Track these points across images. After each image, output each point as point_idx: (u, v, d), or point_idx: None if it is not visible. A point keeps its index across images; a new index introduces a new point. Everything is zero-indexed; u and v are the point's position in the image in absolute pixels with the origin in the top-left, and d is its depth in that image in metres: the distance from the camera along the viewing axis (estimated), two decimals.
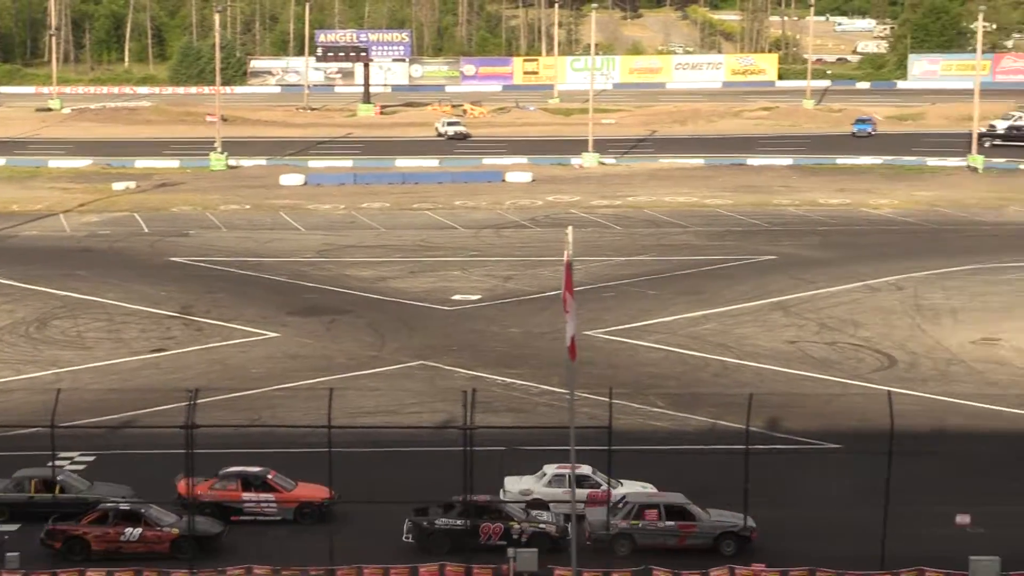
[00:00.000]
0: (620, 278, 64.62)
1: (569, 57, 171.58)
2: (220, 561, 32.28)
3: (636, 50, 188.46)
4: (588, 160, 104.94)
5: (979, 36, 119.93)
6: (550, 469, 36.43)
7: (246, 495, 35.16)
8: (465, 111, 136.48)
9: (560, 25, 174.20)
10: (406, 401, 45.52)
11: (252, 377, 48.19)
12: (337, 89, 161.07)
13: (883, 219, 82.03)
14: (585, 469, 35.88)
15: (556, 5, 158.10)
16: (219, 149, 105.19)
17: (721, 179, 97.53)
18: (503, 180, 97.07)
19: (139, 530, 33.09)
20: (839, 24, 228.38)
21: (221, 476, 35.54)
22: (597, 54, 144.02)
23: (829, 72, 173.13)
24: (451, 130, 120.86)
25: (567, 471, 35.62)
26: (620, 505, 34.20)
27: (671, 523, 33.81)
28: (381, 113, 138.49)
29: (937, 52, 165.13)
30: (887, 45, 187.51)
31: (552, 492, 35.75)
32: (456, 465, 33.07)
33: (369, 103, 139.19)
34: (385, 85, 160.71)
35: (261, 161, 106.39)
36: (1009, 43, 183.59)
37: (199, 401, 33.86)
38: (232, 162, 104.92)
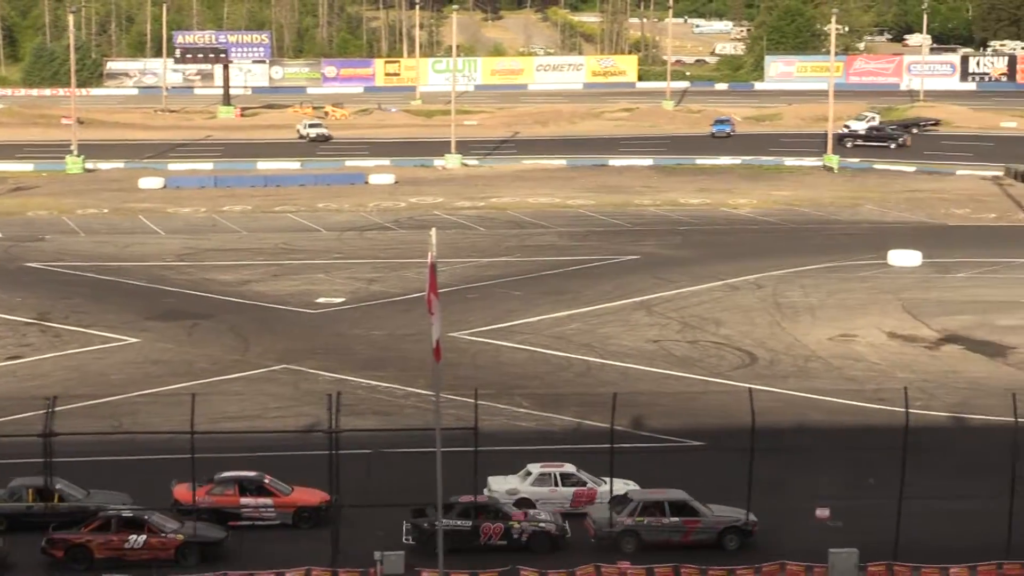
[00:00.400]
0: (484, 279, 64.76)
1: (431, 59, 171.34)
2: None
3: (497, 52, 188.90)
4: (451, 161, 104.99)
5: (832, 38, 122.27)
6: (535, 468, 36.68)
7: (244, 500, 34.86)
8: (327, 113, 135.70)
9: (421, 27, 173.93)
10: (270, 405, 45.15)
11: (112, 383, 47.42)
12: (196, 91, 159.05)
13: (742, 218, 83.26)
14: (569, 467, 36.41)
15: (417, 7, 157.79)
16: (75, 152, 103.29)
17: (583, 180, 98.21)
18: (366, 182, 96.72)
19: (143, 537, 32.73)
20: (697, 26, 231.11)
21: (217, 481, 35.16)
22: (458, 56, 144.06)
23: (688, 73, 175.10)
24: (313, 132, 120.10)
25: (552, 470, 36.35)
26: (623, 502, 34.53)
27: (676, 519, 34.14)
28: (242, 115, 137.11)
29: (792, 54, 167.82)
30: (744, 47, 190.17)
31: (538, 491, 36.08)
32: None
33: (229, 105, 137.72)
34: (245, 87, 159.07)
35: (119, 164, 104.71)
36: (861, 45, 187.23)
37: (58, 409, 33.29)
38: (89, 165, 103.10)
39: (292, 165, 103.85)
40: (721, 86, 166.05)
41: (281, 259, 69.68)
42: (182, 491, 34.90)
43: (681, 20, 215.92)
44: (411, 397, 46.03)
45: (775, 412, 43.10)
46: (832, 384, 48.49)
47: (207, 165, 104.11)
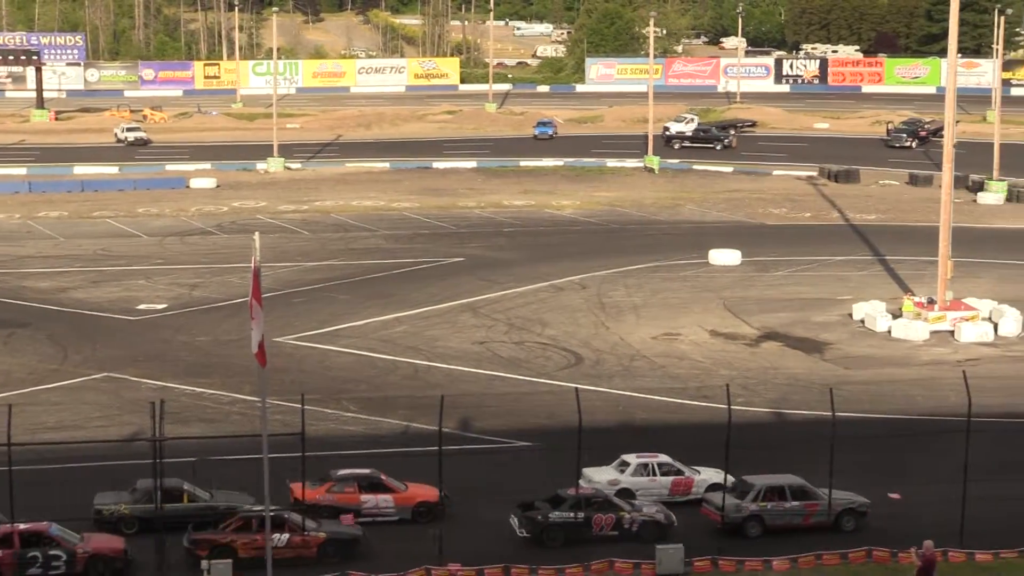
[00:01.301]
0: (309, 283, 64.30)
1: (251, 61, 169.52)
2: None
3: (319, 54, 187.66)
4: (273, 165, 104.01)
5: (651, 41, 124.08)
6: (631, 459, 37.28)
7: (364, 497, 35.34)
8: (145, 116, 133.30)
9: (241, 29, 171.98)
10: (92, 415, 44.18)
11: None
12: (8, 94, 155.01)
13: (566, 220, 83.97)
14: (664, 457, 37.15)
15: (236, 9, 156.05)
16: None
17: (407, 182, 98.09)
18: (187, 186, 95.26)
19: (286, 536, 32.85)
20: (518, 29, 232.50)
21: (337, 479, 35.62)
22: (279, 58, 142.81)
23: (510, 76, 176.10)
24: (131, 136, 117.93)
25: (649, 460, 37.26)
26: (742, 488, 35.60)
27: (796, 503, 35.04)
28: (56, 119, 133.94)
29: (612, 56, 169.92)
30: (565, 49, 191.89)
31: (638, 481, 36.77)
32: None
33: (43, 108, 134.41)
34: (60, 90, 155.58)
35: None
36: (679, 48, 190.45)
37: None
38: None
39: (110, 170, 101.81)
40: (543, 88, 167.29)
41: (100, 265, 68.29)
42: (302, 489, 35.02)
43: (502, 23, 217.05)
44: (237, 403, 45.48)
45: (601, 411, 43.55)
46: (656, 383, 49.17)
47: (20, 170, 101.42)
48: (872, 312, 57.54)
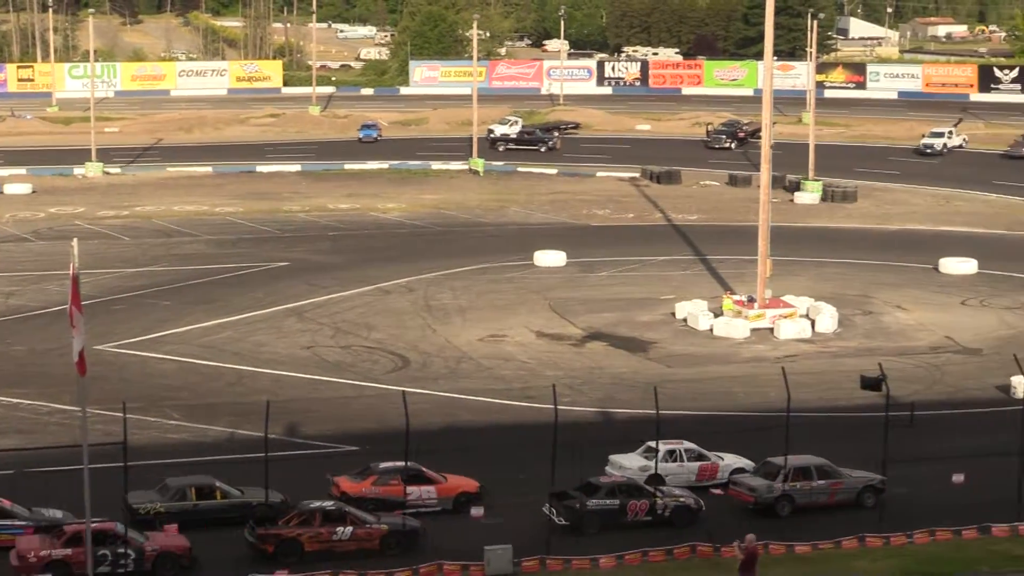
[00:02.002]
0: (131, 290, 63.23)
1: (67, 64, 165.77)
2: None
3: (138, 57, 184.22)
4: (92, 170, 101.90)
5: (475, 44, 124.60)
6: (659, 446, 37.80)
7: (408, 489, 35.81)
8: None
9: (56, 31, 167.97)
10: None
11: None
12: None
13: (392, 223, 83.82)
14: (689, 444, 38.36)
15: (50, 10, 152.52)
16: None
17: (230, 187, 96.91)
18: (1, 192, 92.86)
19: (350, 528, 33.48)
20: (341, 31, 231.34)
21: (380, 472, 36.34)
22: (96, 61, 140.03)
23: (334, 79, 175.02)
24: None
25: (676, 446, 38.56)
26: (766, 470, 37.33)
27: (823, 482, 36.91)
28: None
29: (436, 59, 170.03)
30: (388, 52, 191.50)
31: (667, 467, 37.82)
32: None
33: None
34: None
35: None
36: (502, 50, 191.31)
37: None
38: None
39: None
40: (367, 91, 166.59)
41: None
42: (347, 483, 36.10)
43: (325, 25, 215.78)
44: (56, 414, 44.53)
45: (428, 414, 43.60)
46: (483, 384, 49.43)
47: None
48: (694, 311, 58.54)
